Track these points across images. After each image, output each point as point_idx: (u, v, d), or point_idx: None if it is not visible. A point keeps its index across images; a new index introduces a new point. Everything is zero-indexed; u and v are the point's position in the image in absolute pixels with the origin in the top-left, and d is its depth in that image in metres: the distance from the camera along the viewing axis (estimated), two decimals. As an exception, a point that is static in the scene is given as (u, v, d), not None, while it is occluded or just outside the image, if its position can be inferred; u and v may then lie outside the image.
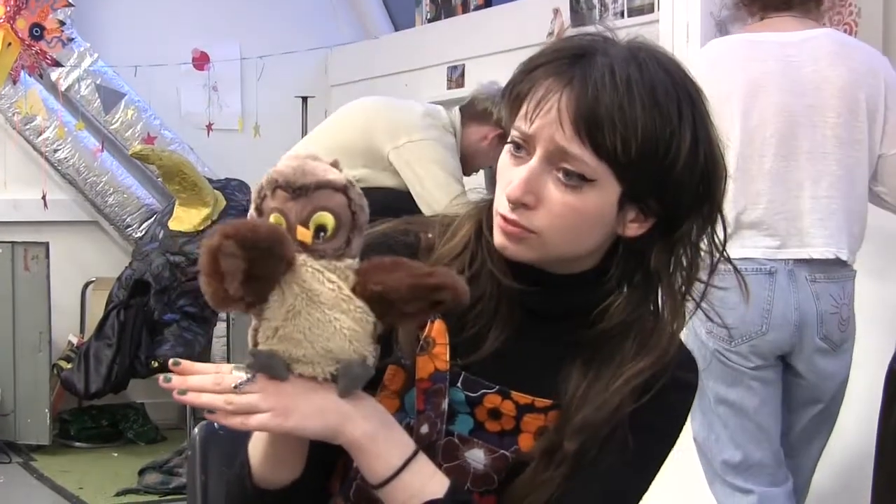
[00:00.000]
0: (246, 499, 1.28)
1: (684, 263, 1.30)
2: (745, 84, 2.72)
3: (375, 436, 1.19)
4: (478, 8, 5.81)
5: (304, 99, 6.14)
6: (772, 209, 2.72)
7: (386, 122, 3.96)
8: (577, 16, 4.70)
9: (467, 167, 4.07)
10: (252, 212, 1.19)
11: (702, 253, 1.31)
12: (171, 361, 1.19)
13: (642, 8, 4.56)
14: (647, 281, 1.30)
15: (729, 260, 1.34)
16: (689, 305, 1.33)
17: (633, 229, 1.27)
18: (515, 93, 1.27)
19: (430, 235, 1.36)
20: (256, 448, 1.26)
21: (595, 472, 1.27)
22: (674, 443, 1.34)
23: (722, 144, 1.29)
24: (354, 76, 6.50)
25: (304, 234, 1.16)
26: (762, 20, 2.82)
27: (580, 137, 1.20)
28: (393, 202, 3.72)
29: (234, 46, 6.42)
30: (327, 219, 1.16)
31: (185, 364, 1.18)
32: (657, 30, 3.64)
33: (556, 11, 4.82)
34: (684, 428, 1.38)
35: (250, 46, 6.39)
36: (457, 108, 4.10)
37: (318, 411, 1.16)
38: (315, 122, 5.81)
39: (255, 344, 1.17)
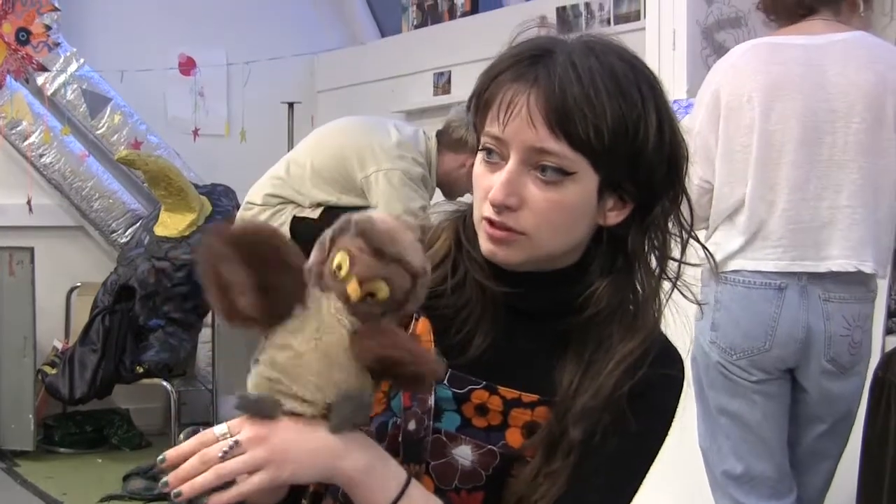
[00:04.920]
0: None
1: (657, 245, 1.33)
2: (764, 87, 2.63)
3: (370, 469, 1.19)
4: (464, 14, 5.82)
5: (291, 105, 6.13)
6: (787, 219, 2.63)
7: (358, 149, 4.09)
8: (564, 23, 4.71)
9: (450, 193, 4.17)
10: (324, 240, 1.19)
11: (672, 233, 1.34)
12: (157, 460, 1.18)
13: (628, 15, 4.58)
14: (628, 265, 1.33)
15: (696, 239, 1.37)
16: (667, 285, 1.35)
17: (613, 217, 1.30)
18: (483, 101, 1.29)
19: None
20: None
21: (602, 457, 1.28)
22: (663, 440, 1.35)
23: (683, 128, 1.32)
24: (341, 82, 6.50)
25: (354, 290, 1.16)
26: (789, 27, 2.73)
27: (554, 132, 1.22)
28: None
29: (221, 52, 6.41)
30: (383, 291, 1.17)
31: (170, 456, 1.17)
32: (643, 37, 3.65)
33: (543, 18, 4.83)
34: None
35: (237, 52, 6.39)
36: (434, 135, 4.15)
37: (309, 455, 1.15)
38: (301, 127, 5.82)
39: (255, 360, 1.16)
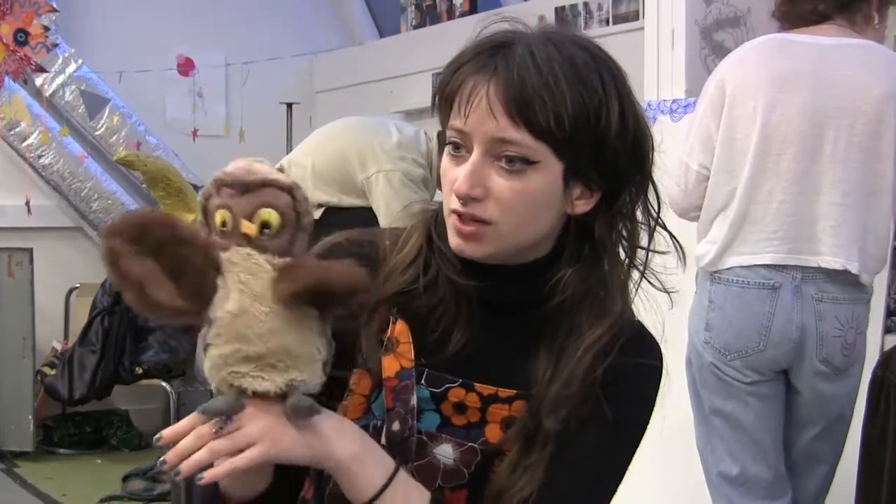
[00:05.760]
0: None
1: (624, 234, 1.33)
2: (771, 78, 2.62)
3: (359, 456, 1.20)
4: (463, 14, 5.82)
5: (289, 105, 6.14)
6: (784, 211, 2.62)
7: (359, 150, 4.08)
8: (563, 23, 4.71)
9: None
10: (199, 216, 1.20)
11: (640, 222, 1.34)
12: (154, 439, 1.19)
13: (627, 15, 4.58)
14: (595, 253, 1.33)
15: (664, 226, 1.36)
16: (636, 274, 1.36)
17: (581, 206, 1.30)
18: (445, 94, 1.30)
19: (387, 242, 1.38)
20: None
21: (579, 446, 1.28)
22: (642, 428, 1.35)
23: (646, 116, 1.32)
24: (339, 82, 6.50)
25: (249, 227, 1.17)
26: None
27: (514, 122, 1.23)
28: (371, 220, 3.85)
29: (219, 52, 6.42)
30: (272, 216, 1.18)
31: (166, 434, 1.17)
32: (642, 37, 3.65)
33: (542, 18, 4.83)
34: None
35: (235, 52, 6.39)
36: (435, 136, 4.15)
37: (302, 434, 1.17)
38: (300, 128, 5.82)
39: (206, 347, 1.17)
